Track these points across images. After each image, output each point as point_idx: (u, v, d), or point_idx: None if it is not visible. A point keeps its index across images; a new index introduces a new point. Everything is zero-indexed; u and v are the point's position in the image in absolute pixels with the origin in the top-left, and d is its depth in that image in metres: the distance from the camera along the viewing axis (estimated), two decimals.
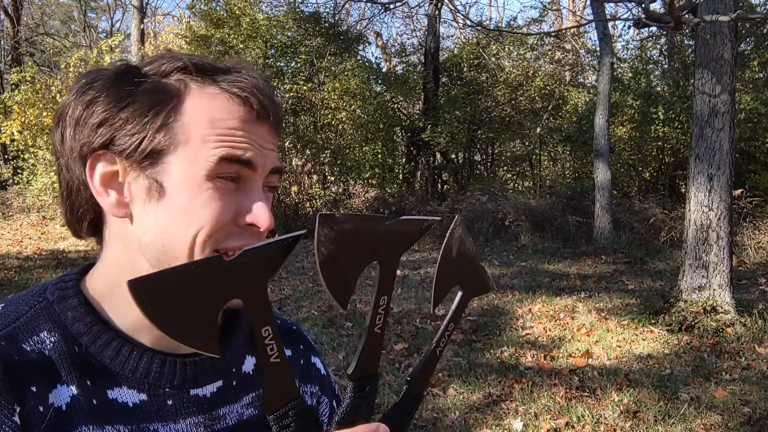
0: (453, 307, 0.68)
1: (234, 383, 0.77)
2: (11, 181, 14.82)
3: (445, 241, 0.65)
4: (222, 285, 0.51)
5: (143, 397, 0.69)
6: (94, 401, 0.67)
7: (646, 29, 12.77)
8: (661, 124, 11.57)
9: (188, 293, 0.50)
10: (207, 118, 0.68)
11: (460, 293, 0.69)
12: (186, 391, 0.72)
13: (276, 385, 0.55)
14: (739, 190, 9.98)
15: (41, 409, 0.63)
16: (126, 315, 0.70)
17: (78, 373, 0.67)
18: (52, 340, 0.67)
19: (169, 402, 0.71)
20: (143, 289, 0.49)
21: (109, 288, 0.72)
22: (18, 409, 0.61)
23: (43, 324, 0.68)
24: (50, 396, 0.64)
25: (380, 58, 19.38)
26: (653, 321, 5.61)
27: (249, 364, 0.81)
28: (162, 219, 0.68)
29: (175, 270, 0.50)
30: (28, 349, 0.66)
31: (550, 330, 5.53)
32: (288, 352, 0.86)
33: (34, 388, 0.63)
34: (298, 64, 13.35)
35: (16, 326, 0.67)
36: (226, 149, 0.68)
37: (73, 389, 0.66)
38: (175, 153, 0.68)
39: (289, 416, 0.55)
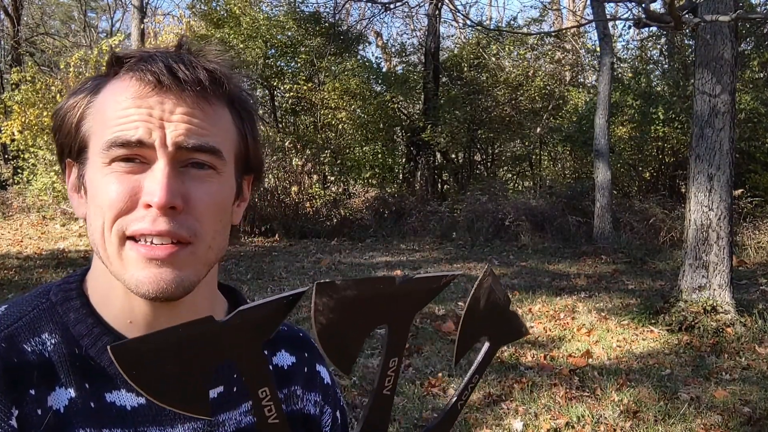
0: (479, 358, 0.64)
1: (234, 389, 0.76)
2: (11, 181, 14.81)
3: (472, 293, 0.61)
4: (213, 348, 0.49)
5: (141, 400, 0.68)
6: (92, 404, 0.66)
7: (646, 29, 12.78)
8: (661, 124, 11.57)
9: (176, 357, 0.47)
10: (107, 105, 0.68)
11: (487, 344, 0.64)
12: None
13: None
14: (739, 190, 9.99)
15: (39, 412, 0.63)
16: (118, 317, 0.70)
17: (77, 376, 0.66)
18: (53, 342, 0.67)
19: None
20: (126, 355, 0.46)
21: (99, 290, 0.72)
22: (16, 413, 0.61)
23: (45, 325, 0.68)
24: (49, 399, 0.64)
25: (380, 58, 19.39)
26: (653, 321, 5.61)
27: None
28: (89, 214, 0.69)
29: (160, 333, 0.48)
30: (29, 349, 0.66)
31: (550, 330, 5.53)
32: (292, 359, 0.85)
33: (32, 391, 0.63)
34: (298, 64, 13.36)
35: (18, 326, 0.67)
36: (115, 134, 0.65)
37: (72, 392, 0.65)
38: (90, 145, 0.69)
39: None
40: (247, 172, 0.77)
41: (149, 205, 0.64)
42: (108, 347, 0.47)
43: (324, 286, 0.51)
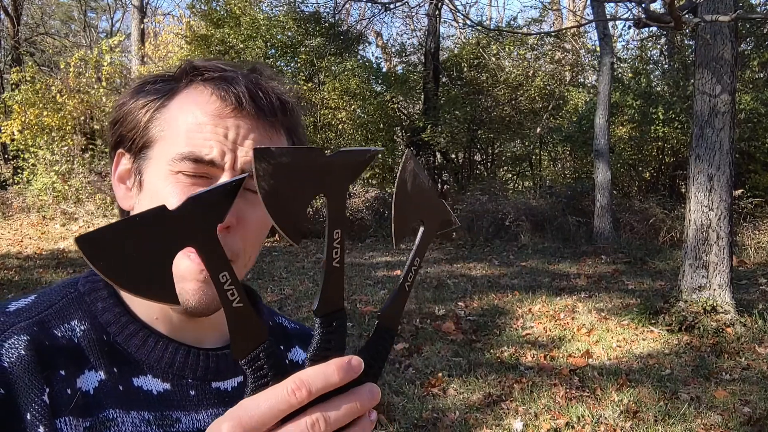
0: (417, 241, 0.68)
1: None
2: (11, 180, 14.80)
3: (398, 175, 0.65)
4: (169, 234, 0.52)
5: (167, 386, 0.72)
6: (121, 387, 0.69)
7: (646, 29, 12.77)
8: (661, 124, 11.57)
9: (136, 245, 0.50)
10: (183, 114, 0.71)
11: (422, 228, 0.69)
12: (208, 383, 0.75)
13: (242, 330, 0.55)
14: (739, 190, 9.99)
15: (69, 391, 0.65)
16: (146, 312, 0.74)
17: (106, 360, 0.69)
18: (82, 328, 0.70)
19: (192, 392, 0.73)
20: (90, 244, 0.48)
21: None
22: (47, 390, 0.64)
23: (74, 313, 0.71)
24: (78, 380, 0.67)
25: (380, 58, 19.40)
26: (653, 321, 5.61)
27: None
28: (141, 209, 0.71)
29: (120, 223, 0.50)
30: (59, 335, 0.69)
31: (550, 330, 5.53)
32: (305, 355, 0.89)
33: (62, 372, 0.66)
34: (298, 64, 13.35)
35: (49, 313, 0.70)
36: (189, 148, 0.69)
37: (101, 374, 0.68)
38: (155, 147, 0.72)
39: (261, 358, 0.55)
40: None
41: None
42: (73, 238, 0.49)
43: (262, 151, 0.53)
